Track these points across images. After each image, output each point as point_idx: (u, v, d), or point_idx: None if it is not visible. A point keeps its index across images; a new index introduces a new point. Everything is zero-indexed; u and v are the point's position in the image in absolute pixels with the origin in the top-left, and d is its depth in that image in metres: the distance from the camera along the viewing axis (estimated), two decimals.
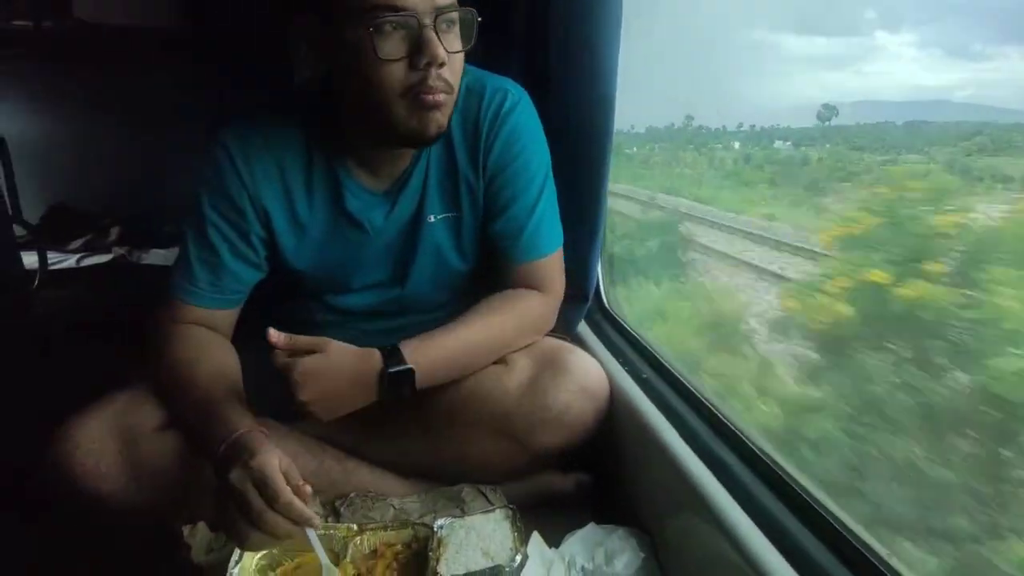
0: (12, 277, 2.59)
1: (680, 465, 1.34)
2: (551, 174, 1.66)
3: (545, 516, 1.62)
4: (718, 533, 1.15)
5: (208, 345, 1.62)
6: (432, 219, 1.60)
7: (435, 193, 1.52)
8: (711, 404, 1.52)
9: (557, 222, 1.62)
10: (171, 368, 1.56)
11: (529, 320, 1.60)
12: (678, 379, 1.69)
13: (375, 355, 1.57)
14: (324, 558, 1.39)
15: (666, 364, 1.78)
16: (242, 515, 1.27)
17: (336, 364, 1.64)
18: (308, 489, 1.34)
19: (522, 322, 1.59)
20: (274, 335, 1.57)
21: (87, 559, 1.44)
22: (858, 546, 1.00)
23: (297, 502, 1.30)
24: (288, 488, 1.29)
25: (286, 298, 1.89)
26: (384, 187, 1.51)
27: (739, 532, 1.09)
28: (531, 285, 1.58)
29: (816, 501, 1.12)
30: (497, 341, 1.63)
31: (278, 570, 1.54)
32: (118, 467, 1.55)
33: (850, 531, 1.03)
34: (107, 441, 1.55)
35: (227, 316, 1.67)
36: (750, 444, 1.32)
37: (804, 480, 1.17)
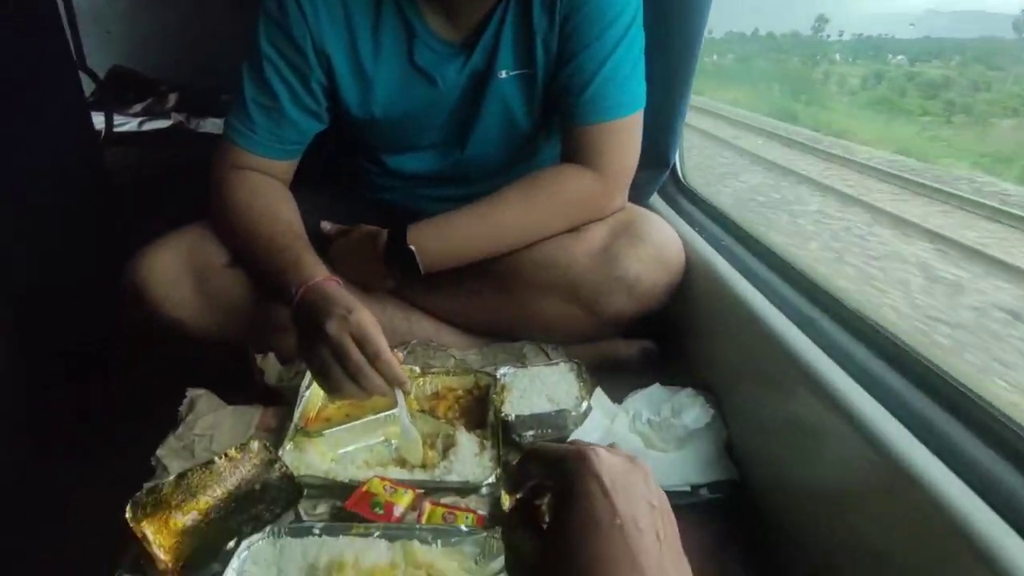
0: (84, 132, 2.60)
1: (767, 328, 1.27)
2: (638, 28, 1.46)
3: (608, 379, 1.59)
4: (810, 395, 1.09)
5: (267, 191, 1.58)
6: (503, 75, 1.47)
7: (508, 47, 1.39)
8: (800, 269, 1.42)
9: (636, 85, 1.42)
10: (231, 211, 1.55)
11: (570, 202, 1.46)
12: (762, 246, 1.59)
13: (382, 236, 1.54)
14: (405, 418, 1.40)
15: (748, 232, 1.67)
16: (340, 365, 1.26)
17: (353, 246, 1.63)
18: (400, 355, 1.33)
19: (561, 205, 1.47)
20: (325, 226, 1.67)
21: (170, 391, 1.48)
22: (975, 398, 0.92)
23: (395, 362, 1.29)
24: (387, 347, 1.28)
25: (345, 155, 1.84)
26: (459, 37, 1.39)
27: (840, 392, 1.03)
28: (587, 157, 1.43)
29: (921, 355, 1.04)
30: (525, 226, 1.53)
31: (346, 400, 1.58)
32: (192, 297, 1.58)
33: (968, 388, 0.95)
34: (181, 272, 1.57)
35: (285, 167, 1.63)
36: (847, 305, 1.24)
37: (909, 338, 1.09)
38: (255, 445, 1.28)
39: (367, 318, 1.27)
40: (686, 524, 1.26)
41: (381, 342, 1.26)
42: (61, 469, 1.69)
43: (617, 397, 1.54)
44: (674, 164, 2.10)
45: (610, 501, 0.51)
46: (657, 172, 1.97)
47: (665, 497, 0.62)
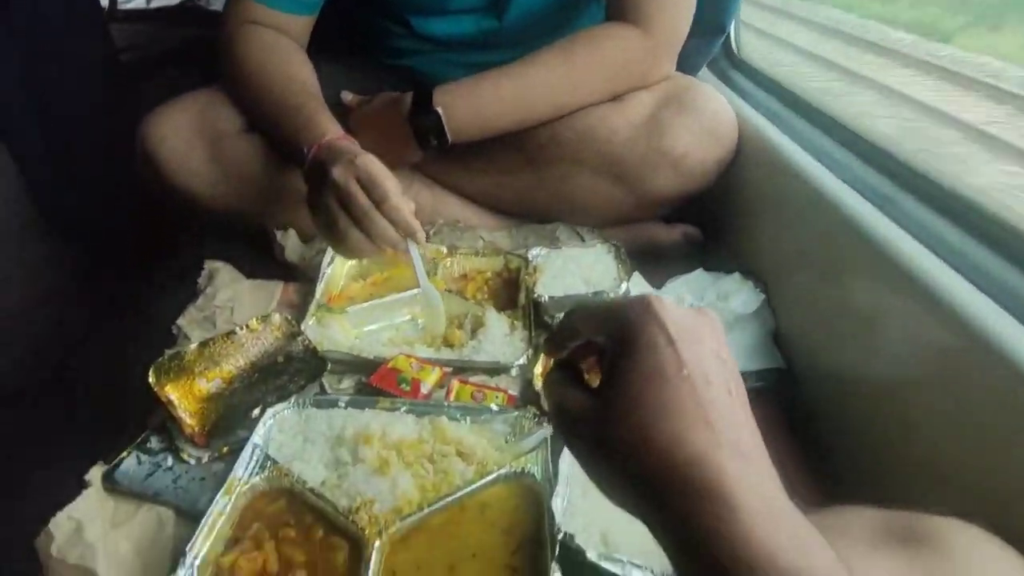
0: (87, 6, 2.40)
1: (836, 206, 1.14)
2: None
3: (647, 265, 1.49)
4: (884, 276, 0.98)
5: (281, 48, 1.44)
6: None
7: None
8: (878, 143, 1.26)
9: None
10: (242, 69, 1.41)
11: (613, 64, 1.33)
12: (831, 120, 1.42)
13: (406, 100, 1.39)
14: (423, 276, 1.33)
15: (815, 105, 1.49)
16: (345, 213, 1.18)
17: (375, 114, 1.48)
18: (411, 204, 1.23)
19: (602, 68, 1.33)
20: (345, 96, 1.54)
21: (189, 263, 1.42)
22: None
23: (406, 208, 1.20)
24: (398, 191, 1.19)
25: (366, 15, 1.66)
26: None
27: (923, 270, 0.91)
28: (635, 14, 1.29)
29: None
30: (563, 89, 1.38)
31: (368, 279, 1.52)
32: (206, 166, 1.49)
33: None
34: (192, 137, 1.47)
35: (301, 24, 1.48)
36: (935, 181, 1.09)
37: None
38: (276, 318, 1.23)
39: (374, 162, 1.16)
40: None
41: (389, 186, 1.15)
42: (87, 341, 1.69)
43: (656, 284, 1.45)
44: (728, 33, 1.88)
45: (676, 351, 0.44)
46: (710, 40, 1.75)
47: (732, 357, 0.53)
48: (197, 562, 0.84)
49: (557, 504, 0.91)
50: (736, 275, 1.36)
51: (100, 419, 1.16)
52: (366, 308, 1.40)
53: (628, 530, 0.89)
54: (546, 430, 1.10)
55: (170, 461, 1.01)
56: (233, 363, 1.15)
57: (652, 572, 0.83)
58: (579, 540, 0.86)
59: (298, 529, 0.92)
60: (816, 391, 1.19)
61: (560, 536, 0.86)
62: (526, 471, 1.01)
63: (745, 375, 1.21)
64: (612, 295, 1.32)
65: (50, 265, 1.75)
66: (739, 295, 1.28)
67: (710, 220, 1.65)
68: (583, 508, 0.93)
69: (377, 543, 0.88)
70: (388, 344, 1.34)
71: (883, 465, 1.03)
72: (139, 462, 1.00)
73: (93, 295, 1.77)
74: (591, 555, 0.84)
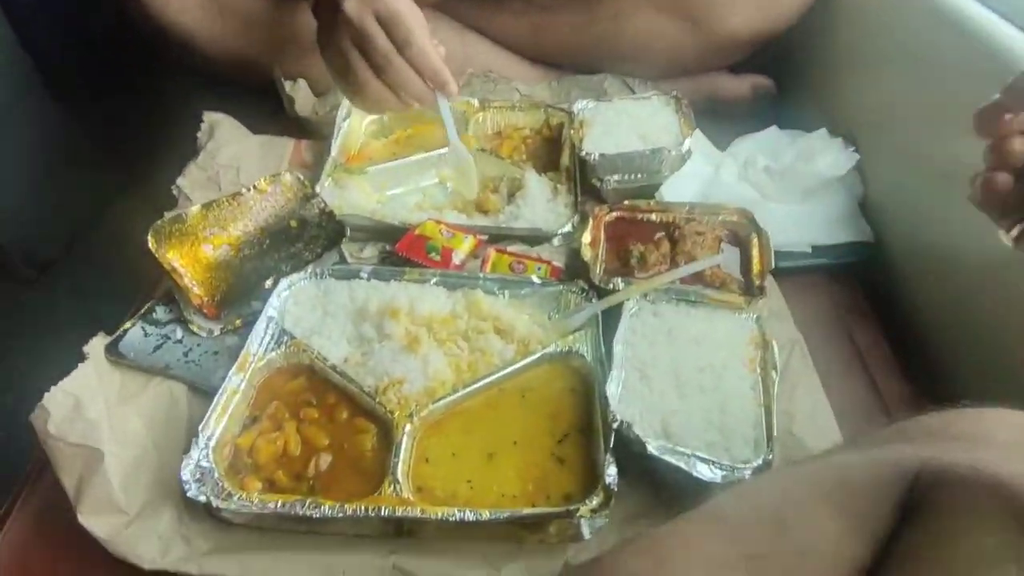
0: None
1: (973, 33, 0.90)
2: None
3: (711, 121, 1.27)
4: None
5: None
6: None
7: None
8: None
9: None
10: None
11: None
12: None
13: None
14: (453, 133, 1.14)
15: None
16: (362, 58, 0.98)
17: None
18: (442, 49, 1.02)
19: None
20: None
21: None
22: None
23: (433, 53, 0.99)
24: (425, 33, 0.98)
25: None
26: None
27: None
28: None
29: None
30: None
31: (390, 137, 1.34)
32: (201, 3, 1.28)
33: None
34: None
35: None
36: None
37: None
38: (288, 177, 1.08)
39: None
40: (804, 292, 1.11)
41: (414, 25, 0.95)
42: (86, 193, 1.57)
43: (722, 144, 1.24)
44: None
45: None
46: None
47: None
48: (212, 443, 0.76)
49: (611, 389, 0.80)
50: (822, 132, 1.14)
51: (107, 293, 1.06)
52: (389, 169, 1.23)
53: (691, 420, 0.79)
54: (596, 305, 0.97)
55: (179, 333, 0.92)
56: (241, 227, 1.02)
57: (720, 465, 0.73)
58: (637, 430, 0.75)
59: (321, 410, 0.83)
60: (909, 269, 1.02)
61: (615, 425, 0.76)
62: (574, 351, 0.89)
63: (829, 249, 1.05)
64: (673, 153, 1.12)
65: (45, 130, 1.59)
66: (826, 155, 1.08)
67: (784, 71, 1.40)
68: (641, 393, 0.82)
69: (408, 427, 0.79)
70: (415, 209, 1.19)
71: (986, 355, 0.89)
72: (145, 334, 0.91)
73: (94, 166, 1.63)
74: (652, 447, 0.74)
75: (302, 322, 0.93)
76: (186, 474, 0.72)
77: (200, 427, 0.76)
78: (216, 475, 0.73)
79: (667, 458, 0.73)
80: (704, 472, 0.73)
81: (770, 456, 0.75)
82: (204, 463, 0.74)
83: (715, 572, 0.50)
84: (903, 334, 0.97)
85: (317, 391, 0.85)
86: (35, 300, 1.50)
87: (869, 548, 0.51)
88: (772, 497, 0.55)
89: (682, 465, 0.73)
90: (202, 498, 0.70)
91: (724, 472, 0.73)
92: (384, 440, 0.80)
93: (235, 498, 0.71)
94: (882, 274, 1.05)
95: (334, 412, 0.83)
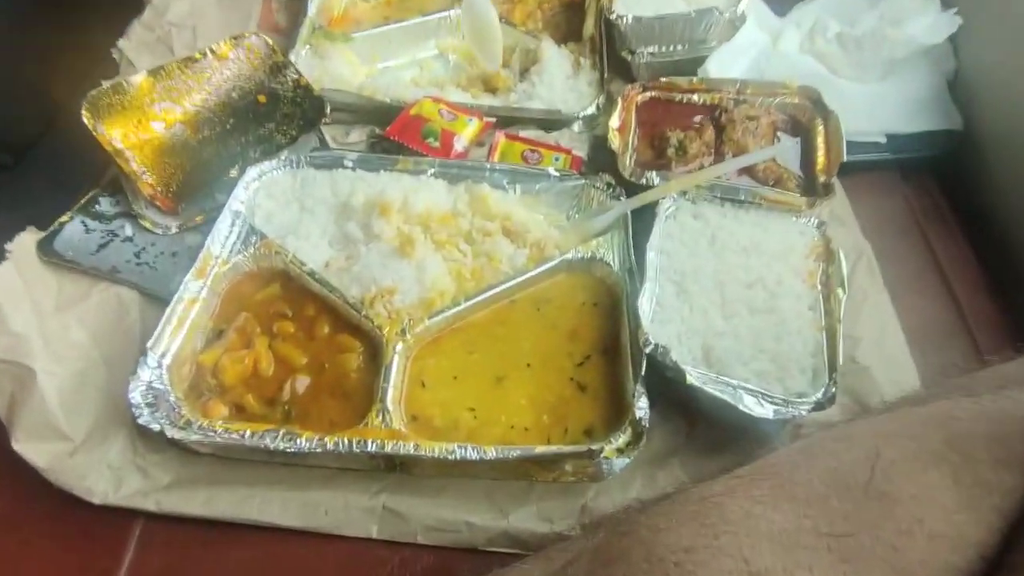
0: None
1: None
2: None
3: None
4: None
5: None
6: None
7: None
8: None
9: None
10: None
11: None
12: None
13: None
14: None
15: None
16: None
17: None
18: None
19: None
20: None
21: None
22: None
23: None
24: None
25: None
26: None
27: None
28: None
29: None
30: None
31: None
32: None
33: None
34: None
35: None
36: None
37: None
38: (255, 40, 0.88)
39: None
40: (874, 191, 0.84)
41: None
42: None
43: (779, 7, 1.02)
44: None
45: None
46: None
47: None
48: (167, 360, 0.64)
49: (643, 305, 0.67)
50: None
51: (46, 186, 0.90)
52: (379, 35, 1.03)
53: (739, 345, 0.66)
54: (625, 204, 0.82)
55: (129, 230, 0.78)
56: (198, 101, 0.84)
57: (771, 398, 0.61)
58: (675, 355, 0.62)
59: (297, 323, 0.70)
60: (1003, 165, 0.85)
61: (648, 349, 0.63)
62: (598, 257, 0.75)
63: (907, 140, 0.87)
64: (725, 16, 0.92)
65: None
66: (921, 17, 0.87)
67: None
68: (679, 311, 0.68)
69: (399, 345, 0.67)
70: (410, 85, 1.00)
71: None
72: (87, 229, 0.76)
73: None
74: (692, 376, 0.61)
75: (275, 219, 0.78)
76: (135, 396, 0.61)
77: (149, 343, 0.63)
78: (172, 398, 0.62)
79: (709, 389, 0.61)
80: (752, 406, 0.61)
81: (832, 390, 0.62)
82: (157, 384, 0.62)
83: (789, 552, 0.39)
84: (991, 244, 0.81)
85: (293, 301, 0.72)
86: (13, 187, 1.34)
87: (994, 528, 0.39)
88: (857, 457, 0.43)
89: (727, 398, 0.61)
90: (155, 426, 0.59)
91: (776, 407, 0.61)
92: (372, 360, 0.68)
93: (195, 426, 0.60)
94: (969, 171, 0.87)
95: (313, 326, 0.70)
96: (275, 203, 0.79)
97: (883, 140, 0.88)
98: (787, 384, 0.63)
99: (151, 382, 0.62)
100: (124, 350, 0.67)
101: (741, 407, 0.61)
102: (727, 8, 0.92)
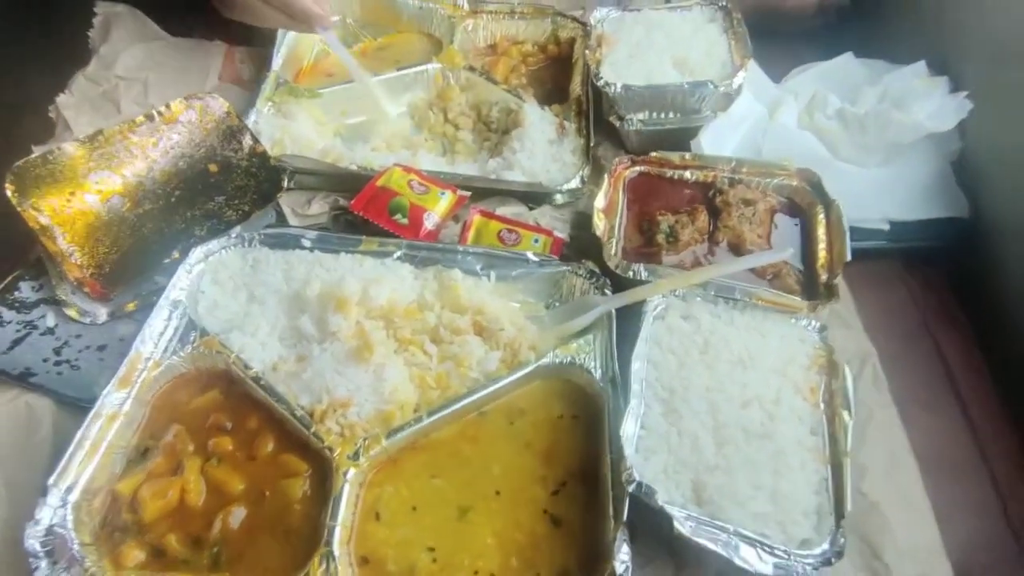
0: None
1: None
2: None
3: (765, 42, 0.97)
4: None
5: None
6: None
7: None
8: None
9: None
10: None
11: None
12: None
13: None
14: (347, 57, 0.89)
15: None
16: None
17: None
18: None
19: None
20: None
21: None
22: None
23: None
24: None
25: None
26: None
27: None
28: None
29: None
30: None
31: (353, 47, 1.04)
32: None
33: None
34: None
35: None
36: None
37: None
38: (210, 101, 0.80)
39: None
40: (877, 285, 0.77)
41: None
42: None
43: (777, 73, 0.96)
44: None
45: None
46: None
47: None
48: (73, 496, 0.55)
49: (627, 428, 0.59)
50: (920, 66, 0.87)
51: None
52: (350, 91, 0.95)
53: (734, 481, 0.58)
54: (610, 301, 0.74)
55: (51, 319, 0.69)
56: (141, 169, 0.76)
57: (771, 548, 0.54)
58: (662, 496, 0.55)
59: (237, 439, 0.62)
60: (1015, 257, 0.79)
61: (631, 487, 0.56)
62: (577, 363, 0.68)
63: (911, 228, 0.82)
64: (720, 90, 0.86)
65: None
66: (928, 100, 0.82)
67: None
68: (667, 438, 0.61)
69: (351, 471, 0.59)
70: (382, 149, 0.93)
71: None
72: (1, 321, 0.67)
73: None
74: (681, 525, 0.54)
75: (219, 310, 0.70)
76: (32, 544, 0.52)
77: (51, 479, 0.54)
78: (75, 546, 0.53)
79: (701, 541, 0.54)
80: (751, 559, 0.54)
81: (841, 540, 0.55)
82: (60, 528, 0.53)
83: None
84: (1004, 349, 0.75)
85: (234, 411, 0.64)
86: None
87: None
88: None
89: (719, 550, 0.54)
90: None
91: (777, 559, 0.54)
92: (320, 487, 0.59)
93: None
94: (977, 263, 0.82)
95: (255, 443, 0.62)
96: (221, 291, 0.71)
97: (886, 227, 0.82)
98: (789, 530, 0.56)
99: (52, 525, 0.53)
100: (30, 476, 0.58)
101: (737, 560, 0.54)
102: (721, 82, 0.86)
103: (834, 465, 0.60)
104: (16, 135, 0.80)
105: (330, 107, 0.95)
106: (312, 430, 0.61)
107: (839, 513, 0.57)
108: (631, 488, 0.56)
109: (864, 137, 0.83)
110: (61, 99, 0.83)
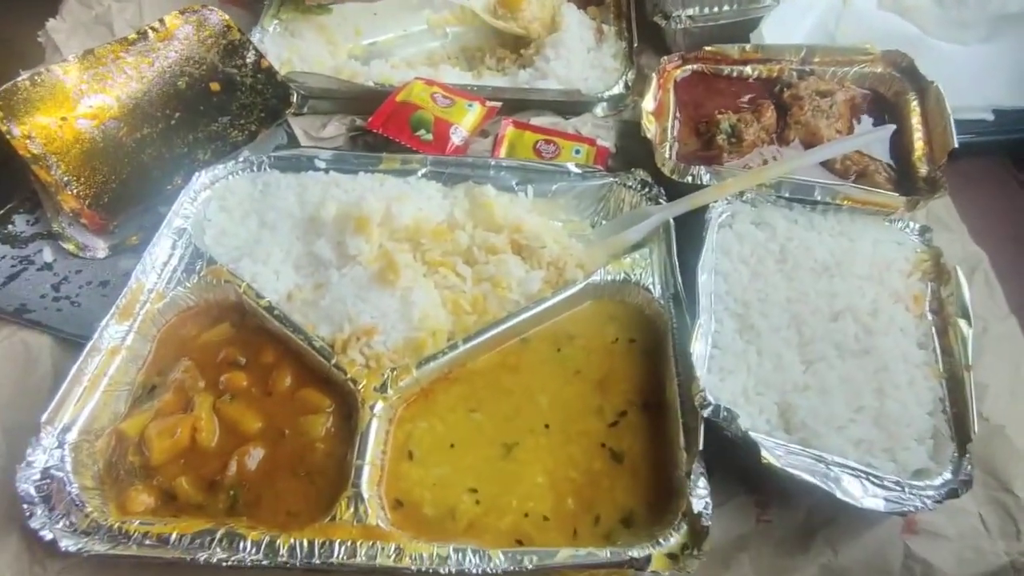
0: None
1: None
2: None
3: None
4: None
5: None
6: None
7: None
8: None
9: None
10: None
11: None
12: None
13: None
14: None
15: None
16: None
17: None
18: None
19: None
20: None
21: None
22: None
23: None
24: None
25: None
26: None
27: None
28: None
29: None
30: None
31: None
32: None
33: None
34: None
35: None
36: None
37: None
38: (207, 14, 0.73)
39: None
40: (983, 183, 0.68)
41: None
42: None
43: None
44: None
45: None
46: None
47: None
48: (71, 436, 0.49)
49: (697, 348, 0.50)
50: None
51: None
52: (363, 7, 0.87)
53: (829, 402, 0.49)
54: (667, 209, 0.64)
55: (48, 254, 0.63)
56: (137, 91, 0.69)
57: (881, 480, 0.45)
58: (745, 421, 0.46)
59: (252, 375, 0.55)
60: None
61: (706, 412, 0.47)
62: (633, 280, 0.59)
63: (1020, 117, 0.69)
64: None
65: None
66: None
67: None
68: (744, 355, 0.52)
69: (379, 404, 0.51)
70: (401, 66, 0.84)
71: None
72: None
73: None
74: (769, 453, 0.45)
75: (227, 238, 0.63)
76: (26, 487, 0.46)
77: (44, 416, 0.49)
78: (74, 489, 0.47)
79: (795, 472, 0.45)
80: (856, 493, 0.45)
81: (968, 467, 0.46)
82: (56, 471, 0.47)
83: None
84: None
85: (247, 345, 0.57)
86: None
87: None
88: None
89: (819, 483, 0.45)
90: (46, 533, 0.45)
91: (889, 492, 0.45)
92: (345, 424, 0.53)
93: (102, 531, 0.45)
94: None
95: (271, 378, 0.55)
96: (229, 217, 0.64)
97: (990, 117, 0.70)
98: (900, 458, 0.47)
99: (48, 467, 0.48)
100: (29, 416, 0.52)
101: (839, 494, 0.45)
102: None
103: (951, 381, 0.50)
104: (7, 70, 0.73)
105: (342, 26, 0.87)
106: (333, 361, 0.54)
107: (963, 436, 0.47)
108: (706, 413, 0.47)
109: (962, 10, 0.71)
110: (51, 24, 0.77)
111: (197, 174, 0.65)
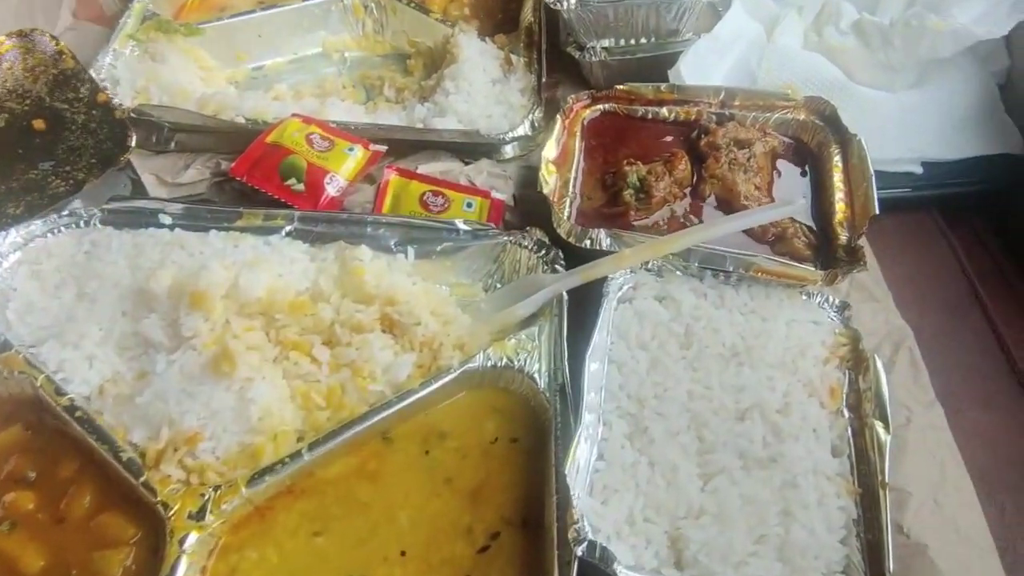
0: None
1: None
2: None
3: None
4: None
5: None
6: None
7: None
8: None
9: None
10: None
11: None
12: None
13: None
14: None
15: None
16: None
17: None
18: None
19: None
20: None
21: None
22: None
23: None
24: None
25: None
26: None
27: None
28: None
29: None
30: None
31: None
32: None
33: None
34: None
35: None
36: None
37: None
38: (40, 42, 0.62)
39: None
40: (910, 244, 0.62)
41: None
42: None
43: None
44: None
45: None
46: None
47: None
48: None
49: (580, 456, 0.42)
50: None
51: None
52: (242, 25, 0.77)
53: (722, 534, 0.42)
54: (561, 280, 0.57)
55: None
56: None
57: None
58: (626, 558, 0.39)
59: (42, 495, 0.45)
60: None
61: (579, 549, 0.39)
62: (516, 367, 0.51)
63: (951, 169, 0.64)
64: (702, 1, 0.67)
65: None
66: (973, 2, 0.62)
67: None
68: (634, 473, 0.44)
69: (192, 536, 0.42)
70: (285, 96, 0.75)
71: None
72: None
73: None
74: None
75: (33, 314, 0.53)
76: None
77: None
78: None
79: None
80: None
81: None
82: None
83: None
84: None
85: (41, 453, 0.47)
86: None
87: None
88: None
89: None
90: None
91: None
92: (152, 558, 0.43)
93: None
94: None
95: (68, 499, 0.45)
96: (40, 287, 0.54)
97: (919, 170, 0.65)
98: None
99: None
100: None
101: None
102: None
103: (867, 498, 0.44)
104: None
105: (221, 49, 0.77)
106: (142, 479, 0.44)
107: (877, 570, 0.40)
108: (580, 550, 0.39)
109: (889, 54, 0.65)
110: None
111: (3, 233, 0.54)
